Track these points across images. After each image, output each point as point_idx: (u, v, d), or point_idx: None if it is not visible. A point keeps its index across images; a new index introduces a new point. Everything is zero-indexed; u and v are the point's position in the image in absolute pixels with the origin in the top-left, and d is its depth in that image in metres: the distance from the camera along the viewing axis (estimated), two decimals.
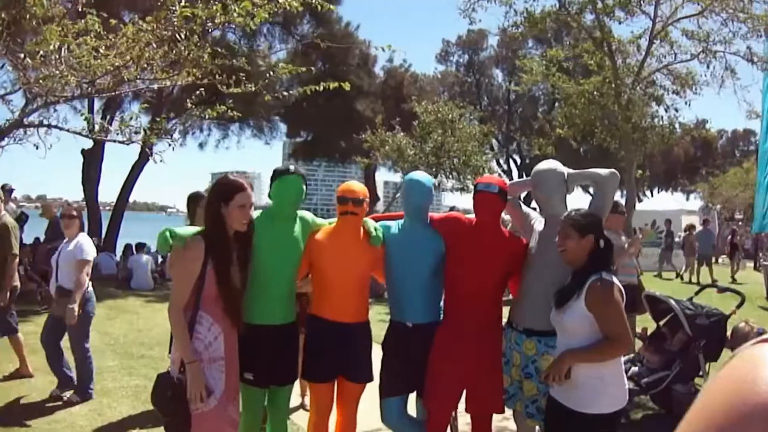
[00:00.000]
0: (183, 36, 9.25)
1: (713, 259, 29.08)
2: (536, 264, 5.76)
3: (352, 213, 5.66)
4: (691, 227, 30.30)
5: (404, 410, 6.00)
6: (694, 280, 27.13)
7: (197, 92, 11.35)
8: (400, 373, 5.87)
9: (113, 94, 10.96)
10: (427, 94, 40.25)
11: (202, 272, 4.88)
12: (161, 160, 10.72)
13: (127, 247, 24.93)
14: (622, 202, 12.79)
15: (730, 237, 29.13)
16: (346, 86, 11.59)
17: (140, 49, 8.99)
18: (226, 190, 5.08)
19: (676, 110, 17.08)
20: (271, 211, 5.70)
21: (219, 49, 11.26)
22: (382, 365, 5.93)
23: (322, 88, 11.55)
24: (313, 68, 16.73)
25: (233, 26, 12.79)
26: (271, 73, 12.07)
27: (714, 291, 11.59)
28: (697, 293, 9.99)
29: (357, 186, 5.86)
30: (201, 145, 37.31)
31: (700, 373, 8.81)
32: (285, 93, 12.95)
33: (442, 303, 6.05)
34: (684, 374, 8.82)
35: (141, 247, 23.90)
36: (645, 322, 10.59)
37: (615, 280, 4.91)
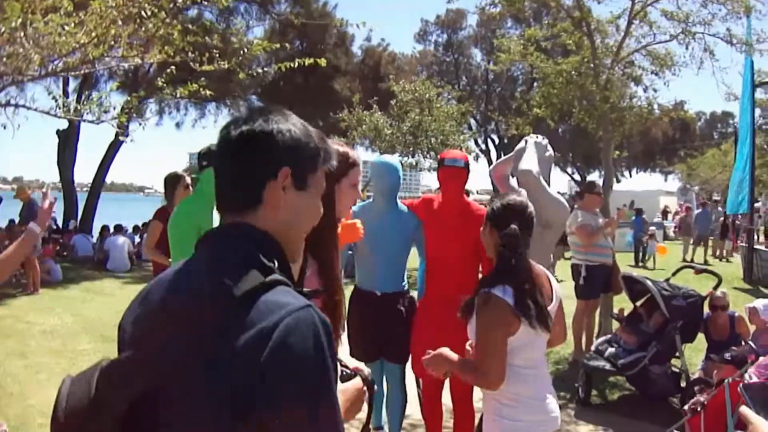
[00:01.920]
0: (150, 13, 9.04)
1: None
2: None
3: None
4: (687, 209, 30.83)
5: (381, 377, 6.61)
6: (688, 258, 27.82)
7: (168, 70, 11.20)
8: (372, 340, 6.39)
9: (81, 72, 10.76)
10: (405, 73, 40.21)
11: None
12: (131, 140, 10.59)
13: (104, 228, 24.79)
14: (600, 182, 12.74)
15: (722, 218, 29.35)
16: (322, 62, 11.54)
17: (106, 27, 8.77)
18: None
19: (655, 90, 17.04)
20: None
21: (190, 26, 11.09)
22: (350, 335, 6.38)
23: (296, 64, 11.46)
24: (287, 45, 16.52)
25: (206, 3, 12.59)
26: (245, 50, 11.89)
27: (691, 272, 11.58)
28: (674, 274, 9.95)
29: None
30: (178, 125, 37.29)
31: (677, 354, 8.78)
32: (259, 71, 12.83)
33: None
34: (660, 355, 8.79)
35: (119, 228, 23.71)
36: (622, 303, 10.56)
37: (507, 299, 3.90)
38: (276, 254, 1.89)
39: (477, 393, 5.47)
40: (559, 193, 6.99)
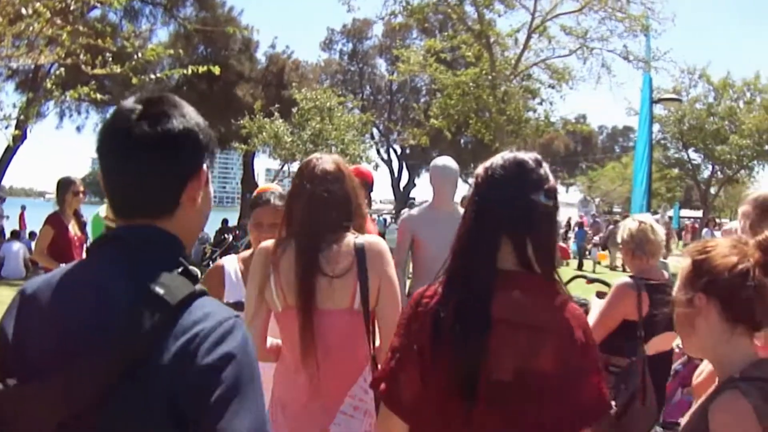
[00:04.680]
0: (32, 11, 8.82)
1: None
2: None
3: None
4: (616, 221, 32.16)
5: None
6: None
7: (57, 72, 10.95)
8: None
9: None
10: (308, 81, 40.14)
11: None
12: (10, 144, 10.30)
13: None
14: None
15: None
16: (216, 70, 11.39)
17: None
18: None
19: (551, 104, 17.40)
20: None
21: (80, 28, 10.85)
22: None
23: (190, 71, 11.31)
24: (180, 52, 16.24)
25: (99, 4, 12.34)
26: (138, 55, 11.67)
27: (584, 281, 11.77)
28: (566, 283, 10.07)
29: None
30: (78, 129, 36.55)
31: None
32: (154, 76, 12.60)
33: None
34: None
35: (15, 234, 23.04)
36: None
37: None
38: (186, 259, 1.81)
39: None
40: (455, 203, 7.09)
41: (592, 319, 4.77)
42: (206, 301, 1.72)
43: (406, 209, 6.41)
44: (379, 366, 2.93)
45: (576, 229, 35.04)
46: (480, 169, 2.64)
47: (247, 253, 4.34)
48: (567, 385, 2.27)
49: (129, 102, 1.84)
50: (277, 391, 3.48)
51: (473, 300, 2.38)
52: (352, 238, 3.37)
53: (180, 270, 1.74)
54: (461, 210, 6.82)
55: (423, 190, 71.06)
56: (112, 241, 1.83)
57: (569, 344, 2.36)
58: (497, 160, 2.59)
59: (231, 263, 4.33)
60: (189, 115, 1.83)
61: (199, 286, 1.72)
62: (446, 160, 6.74)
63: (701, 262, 2.29)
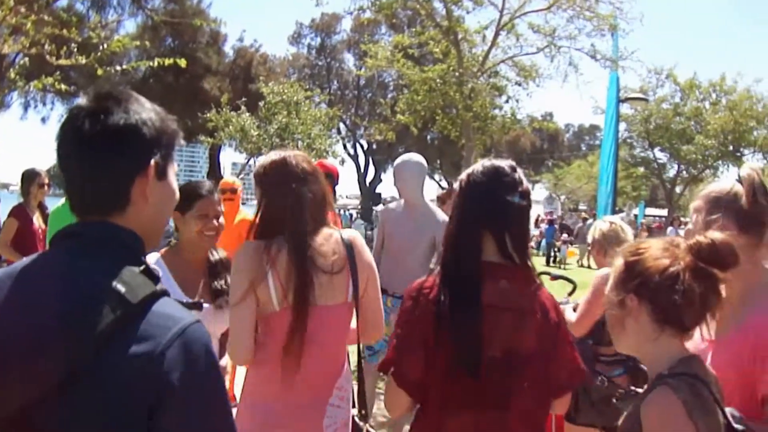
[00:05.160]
0: None
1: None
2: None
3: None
4: (584, 219, 32.75)
5: None
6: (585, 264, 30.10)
7: (21, 62, 10.85)
8: None
9: None
10: (276, 75, 40.05)
11: None
12: None
13: None
14: None
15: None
16: (182, 63, 11.28)
17: None
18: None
19: (517, 101, 17.46)
20: None
21: (46, 18, 10.73)
22: None
23: (156, 63, 11.22)
24: (147, 43, 16.09)
25: None
26: (104, 46, 11.55)
27: (548, 278, 11.85)
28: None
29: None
30: (43, 120, 36.26)
31: None
32: (119, 68, 12.49)
33: None
34: None
35: None
36: None
37: None
38: (144, 255, 1.83)
39: None
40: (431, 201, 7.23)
41: (575, 314, 4.94)
42: (167, 302, 1.73)
43: (381, 204, 6.69)
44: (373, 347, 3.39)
45: (547, 226, 35.72)
46: (463, 175, 3.08)
47: (165, 249, 4.23)
48: (547, 358, 2.63)
49: (82, 99, 1.85)
50: (259, 392, 3.48)
51: (465, 288, 2.84)
52: (336, 233, 3.53)
53: (141, 269, 1.73)
54: (433, 206, 6.98)
55: (389, 186, 71.09)
56: (71, 237, 1.83)
57: (546, 323, 2.84)
58: (478, 167, 3.04)
59: (151, 259, 4.04)
60: (135, 111, 1.82)
61: (160, 286, 1.73)
62: (408, 156, 6.84)
63: (634, 263, 2.38)
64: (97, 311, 1.60)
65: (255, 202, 3.55)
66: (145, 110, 1.85)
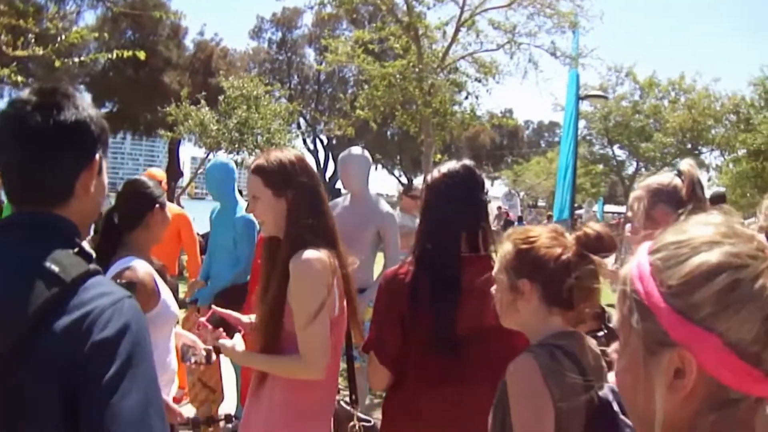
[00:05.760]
0: None
1: None
2: None
3: None
4: (549, 216, 32.71)
5: None
6: None
7: None
8: None
9: None
10: (237, 69, 39.89)
11: None
12: None
13: None
14: (420, 186, 12.97)
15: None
16: (141, 55, 11.24)
17: None
18: None
19: (477, 97, 17.52)
20: None
21: (2, 7, 10.64)
22: None
23: (115, 55, 11.16)
24: (106, 35, 15.95)
25: None
26: (62, 37, 11.45)
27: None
28: None
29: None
30: None
31: None
32: (77, 60, 12.39)
33: None
34: None
35: None
36: None
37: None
38: (81, 241, 1.85)
39: None
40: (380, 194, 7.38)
41: None
42: (100, 280, 1.77)
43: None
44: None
45: (506, 220, 35.03)
46: (436, 173, 3.44)
47: None
48: (507, 332, 2.72)
49: (24, 93, 1.88)
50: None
51: (445, 279, 3.21)
52: None
53: (75, 250, 1.78)
54: (378, 198, 7.13)
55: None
56: (11, 227, 1.86)
57: None
58: (453, 165, 3.43)
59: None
60: (82, 107, 1.86)
61: (93, 266, 1.77)
62: (352, 149, 7.01)
63: (527, 251, 2.54)
64: (31, 291, 1.63)
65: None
66: (89, 107, 1.90)
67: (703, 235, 1.27)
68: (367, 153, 6.96)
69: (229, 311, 3.89)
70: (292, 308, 3.33)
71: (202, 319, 3.87)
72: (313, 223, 3.39)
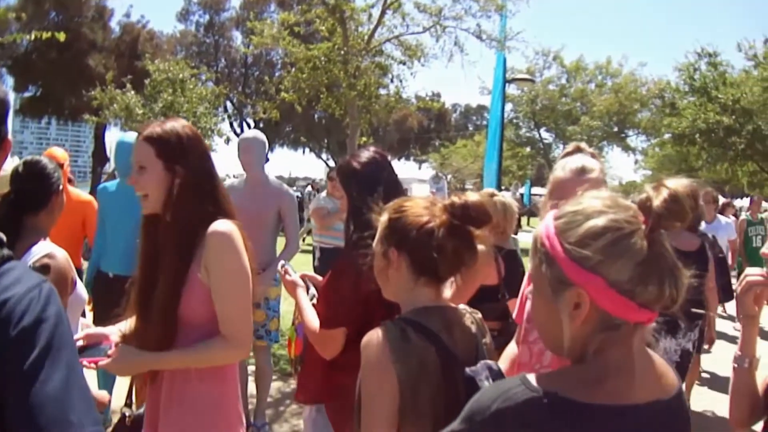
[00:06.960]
0: None
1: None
2: None
3: None
4: (492, 194, 32.94)
5: None
6: None
7: None
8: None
9: None
10: (163, 52, 39.41)
11: None
12: None
13: None
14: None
15: None
16: (61, 37, 11.05)
17: None
18: None
19: (401, 81, 17.56)
20: None
21: None
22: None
23: (34, 36, 11.01)
24: (23, 15, 15.68)
25: None
26: None
27: None
28: None
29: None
30: None
31: None
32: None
33: None
34: None
35: None
36: None
37: None
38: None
39: None
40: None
41: None
42: (14, 266, 1.71)
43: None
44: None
45: None
46: (355, 164, 3.82)
47: None
48: None
49: None
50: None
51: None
52: None
53: None
54: (275, 179, 7.29)
55: (275, 164, 70.59)
56: None
57: None
58: (368, 154, 3.88)
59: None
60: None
61: (6, 251, 1.72)
62: (249, 132, 7.26)
63: (396, 220, 2.59)
64: None
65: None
66: None
67: (594, 206, 1.77)
68: (263, 135, 7.14)
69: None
70: (212, 286, 3.10)
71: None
72: (212, 198, 3.23)
